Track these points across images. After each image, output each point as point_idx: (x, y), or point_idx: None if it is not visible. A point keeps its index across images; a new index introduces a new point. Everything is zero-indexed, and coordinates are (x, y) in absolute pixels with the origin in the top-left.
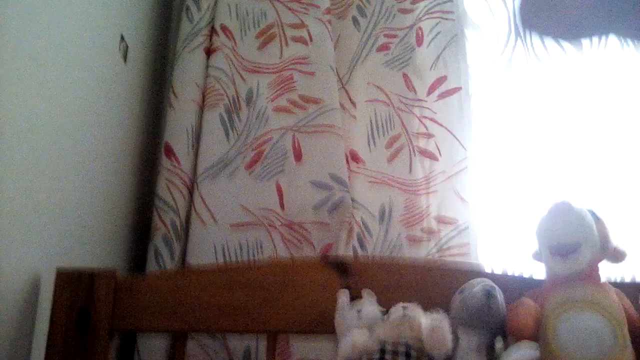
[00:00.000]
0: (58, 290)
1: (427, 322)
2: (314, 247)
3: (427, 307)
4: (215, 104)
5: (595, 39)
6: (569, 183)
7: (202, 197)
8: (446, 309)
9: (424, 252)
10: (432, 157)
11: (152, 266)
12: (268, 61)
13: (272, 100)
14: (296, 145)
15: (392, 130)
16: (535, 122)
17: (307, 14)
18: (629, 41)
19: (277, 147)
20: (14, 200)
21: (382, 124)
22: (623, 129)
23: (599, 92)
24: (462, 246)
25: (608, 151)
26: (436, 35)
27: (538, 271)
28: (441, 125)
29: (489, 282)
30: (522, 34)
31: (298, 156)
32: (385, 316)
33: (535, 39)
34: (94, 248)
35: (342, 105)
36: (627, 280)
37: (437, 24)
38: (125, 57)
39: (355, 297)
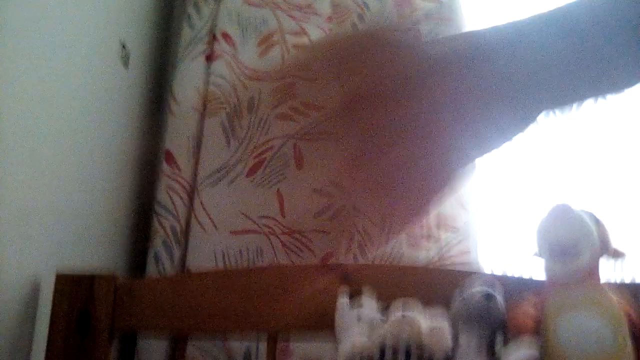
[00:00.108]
0: (58, 293)
1: (427, 322)
2: (314, 254)
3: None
4: (216, 111)
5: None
6: (569, 186)
7: (202, 204)
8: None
9: (424, 258)
10: None
11: (151, 271)
12: (270, 68)
13: (274, 108)
14: (298, 152)
15: None
16: (534, 125)
17: (308, 21)
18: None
19: (278, 154)
20: (15, 205)
21: None
22: (623, 130)
23: None
24: (463, 252)
25: (608, 152)
26: None
27: (538, 273)
28: None
29: (489, 281)
30: None
31: (299, 163)
32: (385, 316)
33: None
34: (94, 252)
35: None
36: (627, 280)
37: (435, 26)
38: (126, 63)
39: (355, 297)
